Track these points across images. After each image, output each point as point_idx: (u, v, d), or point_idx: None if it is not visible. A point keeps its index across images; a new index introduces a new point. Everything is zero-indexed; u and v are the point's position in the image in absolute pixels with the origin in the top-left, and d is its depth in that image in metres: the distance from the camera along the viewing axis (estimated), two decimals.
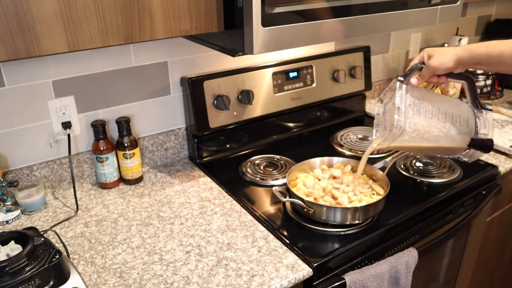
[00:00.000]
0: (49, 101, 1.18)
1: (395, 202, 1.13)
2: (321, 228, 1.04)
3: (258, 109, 1.43)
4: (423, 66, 1.02)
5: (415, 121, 0.99)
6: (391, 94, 1.05)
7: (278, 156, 1.40)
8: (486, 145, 1.01)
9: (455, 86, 1.80)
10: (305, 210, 1.04)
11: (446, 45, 1.80)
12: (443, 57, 0.98)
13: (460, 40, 1.85)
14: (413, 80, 1.03)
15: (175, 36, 0.94)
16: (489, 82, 1.88)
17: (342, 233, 1.03)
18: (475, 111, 1.04)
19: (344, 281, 0.95)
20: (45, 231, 1.08)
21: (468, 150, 1.05)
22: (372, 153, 1.10)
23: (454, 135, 1.02)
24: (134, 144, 1.26)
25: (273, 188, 1.12)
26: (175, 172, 1.36)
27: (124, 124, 1.24)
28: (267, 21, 0.92)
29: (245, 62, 1.44)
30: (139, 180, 1.30)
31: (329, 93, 1.59)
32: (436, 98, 1.05)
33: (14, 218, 1.12)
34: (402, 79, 1.03)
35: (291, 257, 0.96)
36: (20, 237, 0.84)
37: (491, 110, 1.04)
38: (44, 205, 1.18)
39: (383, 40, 1.83)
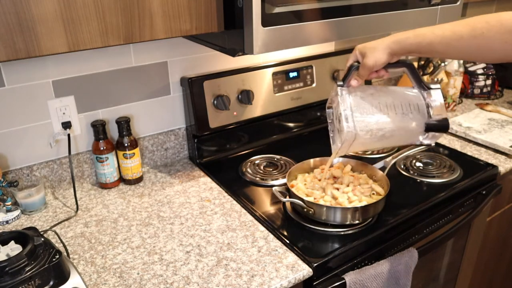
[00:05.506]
0: (49, 101, 1.18)
1: (395, 202, 1.13)
2: (321, 228, 1.04)
3: (258, 109, 1.43)
4: (359, 64, 0.98)
5: (365, 123, 0.94)
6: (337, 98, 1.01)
7: (278, 156, 1.40)
8: (442, 126, 0.98)
9: (455, 87, 1.80)
10: (305, 210, 1.04)
11: None
12: (376, 53, 0.94)
13: None
14: (353, 82, 0.98)
15: (175, 36, 0.94)
16: (489, 82, 1.88)
17: (342, 233, 1.03)
18: (424, 93, 1.00)
19: (344, 281, 0.95)
20: (45, 231, 1.08)
21: (427, 134, 1.01)
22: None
23: (408, 125, 0.98)
24: (134, 144, 1.26)
25: (273, 188, 1.12)
26: (175, 172, 1.36)
27: (124, 124, 1.24)
28: (267, 21, 0.92)
29: (245, 62, 1.44)
30: (139, 180, 1.30)
31: (329, 93, 1.59)
32: (381, 93, 0.99)
33: (14, 218, 1.12)
34: (341, 83, 0.97)
35: (291, 257, 0.96)
36: (20, 237, 0.85)
37: (438, 88, 1.00)
38: (44, 205, 1.18)
39: None
